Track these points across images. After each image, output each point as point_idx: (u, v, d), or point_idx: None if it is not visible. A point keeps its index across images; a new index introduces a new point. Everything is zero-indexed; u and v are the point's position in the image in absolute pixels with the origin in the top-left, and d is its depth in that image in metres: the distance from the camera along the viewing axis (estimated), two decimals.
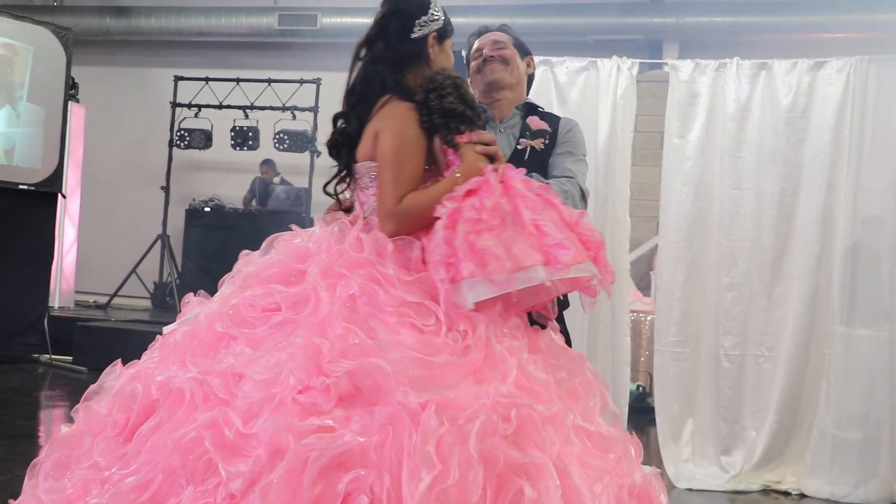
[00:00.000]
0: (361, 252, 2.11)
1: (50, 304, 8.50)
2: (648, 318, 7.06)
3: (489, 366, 1.92)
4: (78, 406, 2.09)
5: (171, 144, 10.80)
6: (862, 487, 4.64)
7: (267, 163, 10.82)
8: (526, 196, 2.12)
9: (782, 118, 5.00)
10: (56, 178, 8.07)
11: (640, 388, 6.97)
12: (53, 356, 7.76)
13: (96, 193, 10.94)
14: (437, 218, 2.11)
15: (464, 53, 3.18)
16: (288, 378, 1.84)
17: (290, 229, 2.35)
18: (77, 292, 10.44)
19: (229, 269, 2.32)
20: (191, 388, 1.89)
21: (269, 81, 10.46)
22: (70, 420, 2.13)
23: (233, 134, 10.63)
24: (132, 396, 1.99)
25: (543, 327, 2.23)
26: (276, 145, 10.40)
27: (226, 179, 11.35)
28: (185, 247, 10.67)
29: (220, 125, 10.74)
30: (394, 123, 2.26)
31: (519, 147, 2.90)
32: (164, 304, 10.58)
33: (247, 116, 10.66)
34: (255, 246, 2.35)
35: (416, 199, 2.17)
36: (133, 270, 10.31)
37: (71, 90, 8.66)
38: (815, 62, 4.99)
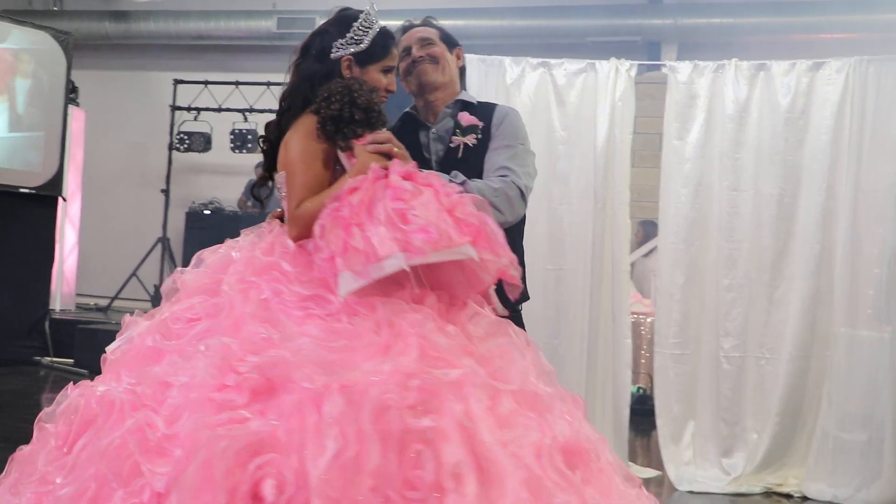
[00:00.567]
0: (271, 256, 2.25)
1: (51, 307, 8.50)
2: (649, 320, 7.06)
3: (392, 343, 1.98)
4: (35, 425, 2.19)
5: (170, 147, 10.81)
6: (865, 490, 4.61)
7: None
8: (399, 187, 2.15)
9: (781, 119, 4.99)
10: (56, 182, 8.08)
11: (641, 391, 6.97)
12: (55, 359, 7.77)
13: (97, 197, 10.94)
14: None
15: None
16: (205, 379, 1.96)
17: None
18: (78, 295, 10.44)
19: None
20: (121, 399, 2.00)
21: (268, 84, 10.45)
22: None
23: (232, 137, 10.64)
24: (75, 410, 2.08)
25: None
26: None
27: (225, 182, 11.35)
28: (185, 249, 10.67)
29: (220, 128, 10.75)
30: (296, 134, 2.40)
31: (452, 146, 2.83)
32: None
33: (246, 119, 10.66)
34: None
35: (310, 204, 2.26)
36: (133, 273, 10.31)
37: (71, 94, 8.67)
38: (814, 63, 4.99)
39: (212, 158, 11.05)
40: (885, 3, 8.78)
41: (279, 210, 2.50)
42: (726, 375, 4.99)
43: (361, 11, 2.54)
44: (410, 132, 2.85)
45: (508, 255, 2.21)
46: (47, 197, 8.04)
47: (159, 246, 10.53)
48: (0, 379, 6.94)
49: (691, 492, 4.87)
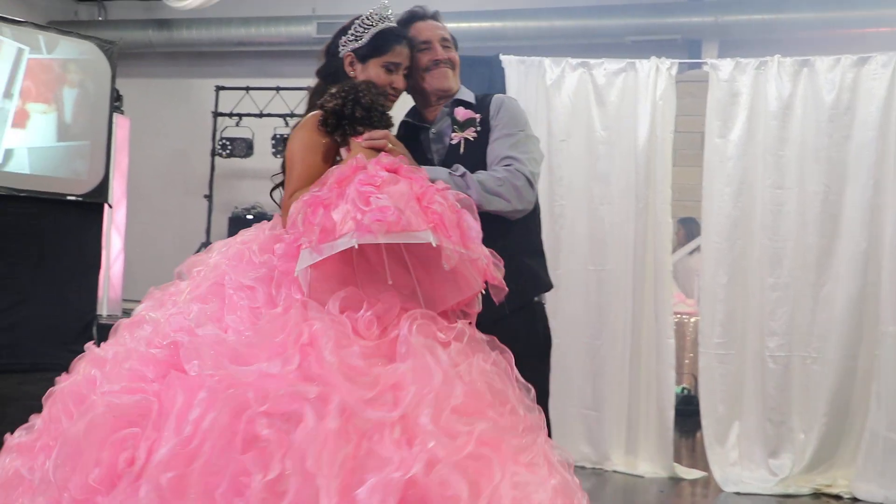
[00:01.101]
0: (249, 243, 2.38)
1: (98, 312, 8.63)
2: (692, 320, 6.99)
3: (286, 349, 2.00)
4: None
5: (213, 153, 10.91)
6: None
7: None
8: (373, 174, 2.17)
9: (825, 115, 4.93)
10: (102, 189, 8.20)
11: (686, 391, 6.91)
12: None
13: (141, 203, 11.09)
14: None
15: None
16: (137, 348, 2.15)
17: None
18: (124, 300, 10.57)
19: None
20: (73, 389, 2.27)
21: (309, 89, 10.53)
22: None
23: (273, 142, 10.70)
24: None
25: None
26: None
27: (267, 187, 11.13)
28: None
29: (261, 133, 10.83)
30: (300, 128, 2.54)
31: (452, 143, 2.77)
32: None
33: (287, 124, 10.71)
34: None
35: (301, 194, 2.29)
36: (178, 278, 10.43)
37: (116, 102, 8.81)
38: (859, 58, 4.92)
39: (254, 164, 11.14)
40: None
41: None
42: (772, 375, 4.94)
43: (366, 13, 2.67)
44: (411, 138, 2.82)
45: (480, 251, 2.19)
46: (94, 204, 8.17)
47: (203, 251, 10.64)
48: (51, 384, 7.06)
49: (738, 493, 4.82)
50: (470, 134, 2.75)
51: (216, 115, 10.93)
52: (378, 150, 2.38)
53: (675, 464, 5.12)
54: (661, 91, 5.11)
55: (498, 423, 2.03)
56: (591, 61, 5.26)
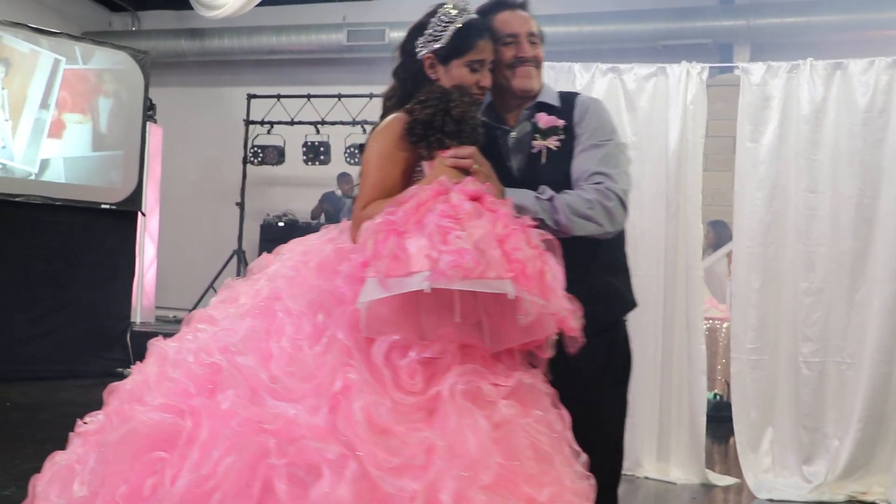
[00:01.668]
0: (307, 257, 2.29)
1: (132, 320, 8.74)
2: (724, 326, 6.95)
3: (319, 394, 1.91)
4: None
5: (244, 161, 11.03)
6: None
7: (345, 177, 10.89)
8: (456, 205, 2.03)
9: (859, 118, 4.87)
10: (136, 197, 8.32)
11: (718, 397, 6.86)
12: None
13: (174, 211, 11.22)
14: None
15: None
16: (185, 359, 2.11)
17: None
18: (157, 307, 10.70)
19: None
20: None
21: (339, 97, 10.60)
22: None
23: (304, 149, 10.80)
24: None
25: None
26: (348, 159, 10.52)
27: (298, 194, 11.53)
28: None
29: (292, 141, 10.93)
30: (378, 134, 2.33)
31: (533, 151, 2.51)
32: None
33: (318, 132, 10.82)
34: None
35: (375, 207, 2.17)
36: (210, 285, 10.53)
37: (149, 111, 8.93)
38: (894, 60, 4.86)
39: (285, 171, 11.24)
40: None
41: None
42: (805, 381, 4.88)
43: (442, 6, 2.42)
44: (488, 142, 2.51)
45: (560, 303, 2.04)
46: (128, 212, 8.28)
47: (235, 258, 10.73)
48: (85, 391, 7.14)
49: (771, 500, 4.77)
50: (552, 143, 2.50)
51: (248, 122, 11.04)
52: (463, 169, 2.21)
53: (708, 470, 5.08)
54: (692, 96, 5.08)
55: (533, 500, 1.89)
56: (622, 66, 5.24)
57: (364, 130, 10.49)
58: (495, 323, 2.06)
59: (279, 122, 10.91)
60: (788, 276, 4.94)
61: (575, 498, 1.96)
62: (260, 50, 11.57)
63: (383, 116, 2.40)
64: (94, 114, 8.08)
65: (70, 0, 11.90)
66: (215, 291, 9.96)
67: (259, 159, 10.98)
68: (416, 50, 2.41)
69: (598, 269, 2.43)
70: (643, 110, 5.17)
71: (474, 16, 2.43)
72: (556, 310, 2.03)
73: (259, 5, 9.99)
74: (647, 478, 5.08)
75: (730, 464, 5.37)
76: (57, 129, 7.87)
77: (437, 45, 2.37)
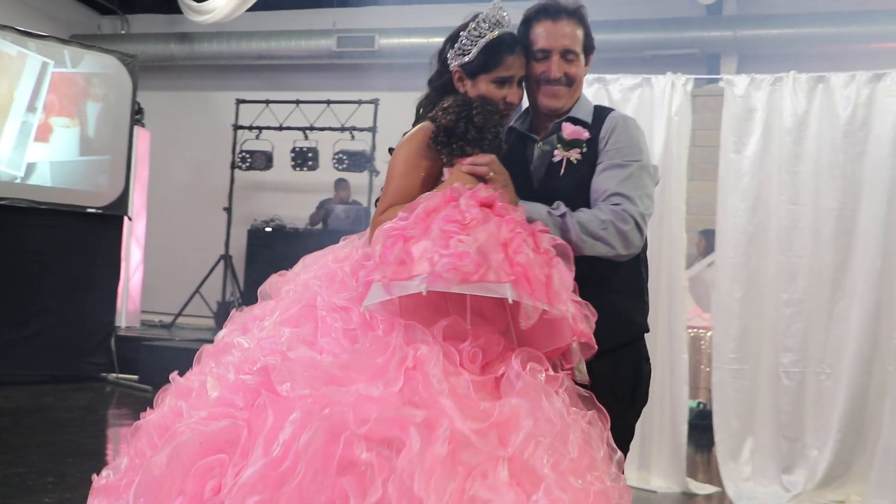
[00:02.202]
0: (340, 262, 2.28)
1: (117, 325, 8.71)
2: (709, 334, 6.99)
3: (387, 371, 1.90)
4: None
5: (232, 166, 11.01)
6: None
7: (342, 183, 10.84)
8: (462, 210, 2.03)
9: (840, 131, 4.93)
10: (122, 201, 8.30)
11: (702, 406, 6.89)
12: (120, 375, 7.95)
13: (161, 215, 11.19)
14: None
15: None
16: (226, 373, 2.07)
17: None
18: (143, 312, 10.68)
19: None
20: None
21: (328, 102, 10.62)
22: None
23: (293, 155, 10.80)
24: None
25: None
26: (336, 165, 10.53)
27: (286, 199, 11.54)
28: (247, 266, 10.88)
29: (281, 146, 10.93)
30: (405, 141, 2.35)
31: (554, 159, 2.45)
32: None
33: (306, 137, 10.83)
34: None
35: (391, 213, 2.18)
36: (197, 290, 10.52)
37: (137, 115, 8.91)
38: (874, 74, 4.92)
39: (273, 176, 11.25)
40: None
41: None
42: (786, 391, 4.93)
43: (476, 17, 2.40)
44: (518, 148, 2.54)
45: (565, 308, 2.02)
46: (114, 216, 8.26)
47: (222, 263, 10.72)
48: (68, 395, 7.13)
49: None
50: (574, 155, 2.42)
51: (236, 127, 11.04)
52: (479, 177, 2.22)
53: (689, 479, 5.11)
54: (676, 107, 5.13)
55: (600, 489, 1.89)
56: (607, 76, 5.28)
57: (353, 137, 10.53)
58: (522, 330, 2.05)
59: (268, 128, 10.92)
60: (770, 286, 4.99)
61: (619, 497, 1.98)
62: (249, 55, 11.58)
63: (415, 124, 2.42)
64: (82, 118, 8.06)
65: (59, 3, 11.89)
66: (202, 297, 9.90)
67: (247, 164, 10.97)
68: (448, 60, 2.43)
69: (605, 289, 2.35)
70: None
71: (507, 29, 2.41)
72: (560, 315, 2.02)
73: (249, 10, 10.00)
74: (627, 486, 5.09)
75: (712, 472, 5.40)
76: (44, 133, 7.84)
77: (465, 60, 2.38)
